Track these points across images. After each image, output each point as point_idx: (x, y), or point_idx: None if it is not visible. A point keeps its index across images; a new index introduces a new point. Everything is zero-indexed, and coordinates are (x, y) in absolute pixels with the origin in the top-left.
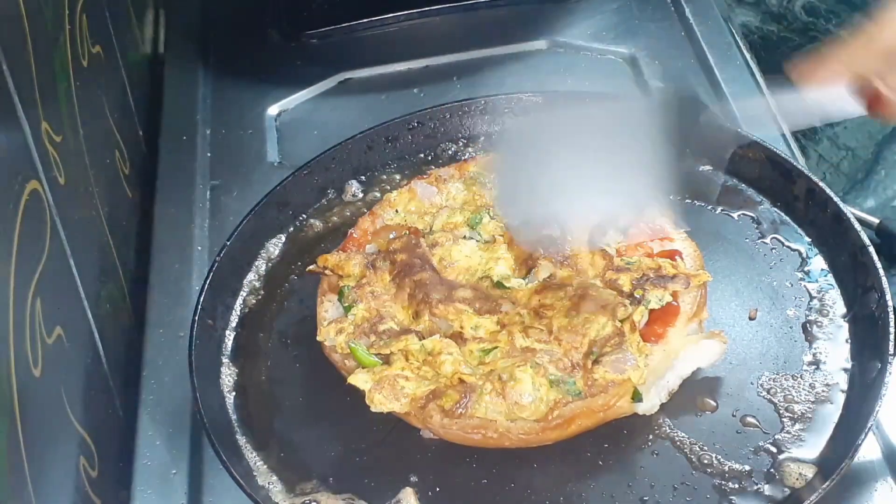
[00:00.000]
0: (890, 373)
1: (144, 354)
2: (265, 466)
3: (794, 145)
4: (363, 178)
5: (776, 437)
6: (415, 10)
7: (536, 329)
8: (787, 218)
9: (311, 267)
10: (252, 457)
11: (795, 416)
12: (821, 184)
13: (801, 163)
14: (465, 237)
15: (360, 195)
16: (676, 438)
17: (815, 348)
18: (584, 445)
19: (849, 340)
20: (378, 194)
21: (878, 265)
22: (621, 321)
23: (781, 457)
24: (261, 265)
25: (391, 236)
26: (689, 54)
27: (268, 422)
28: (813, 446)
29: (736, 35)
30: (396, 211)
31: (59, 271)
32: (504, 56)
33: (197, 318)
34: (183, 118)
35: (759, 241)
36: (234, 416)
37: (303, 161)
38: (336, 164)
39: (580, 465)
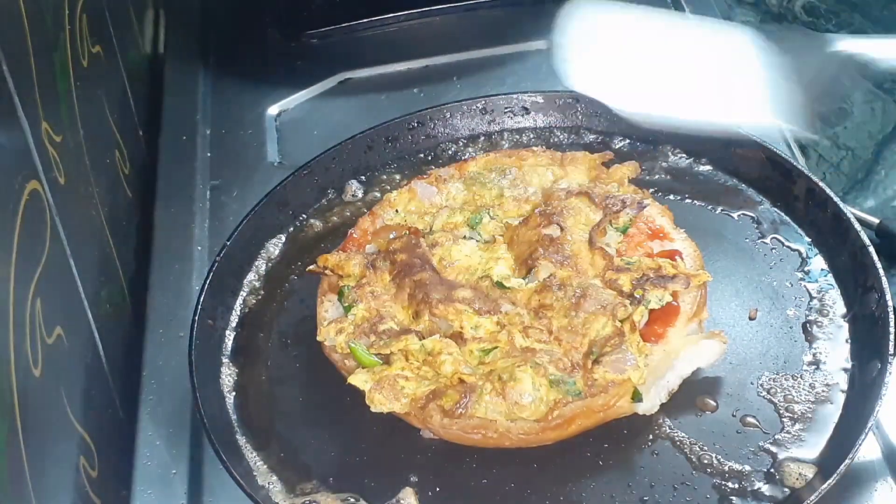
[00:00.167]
0: (890, 373)
1: (144, 354)
2: (265, 466)
3: (794, 145)
4: (363, 178)
5: (776, 437)
6: (415, 10)
7: (536, 329)
8: (787, 218)
9: (311, 267)
10: (252, 457)
11: (795, 416)
12: (821, 184)
13: (801, 163)
14: (465, 237)
15: (360, 195)
16: (676, 438)
17: (815, 348)
18: (584, 445)
19: (849, 340)
20: (378, 194)
21: (878, 265)
22: (621, 321)
23: (781, 457)
24: (261, 265)
25: (391, 236)
26: None
27: (268, 422)
28: (813, 446)
29: None
30: (396, 211)
31: (59, 271)
32: (504, 56)
33: (197, 318)
34: (183, 118)
35: (759, 241)
36: (234, 416)
37: (303, 161)
38: (336, 164)
39: (580, 465)
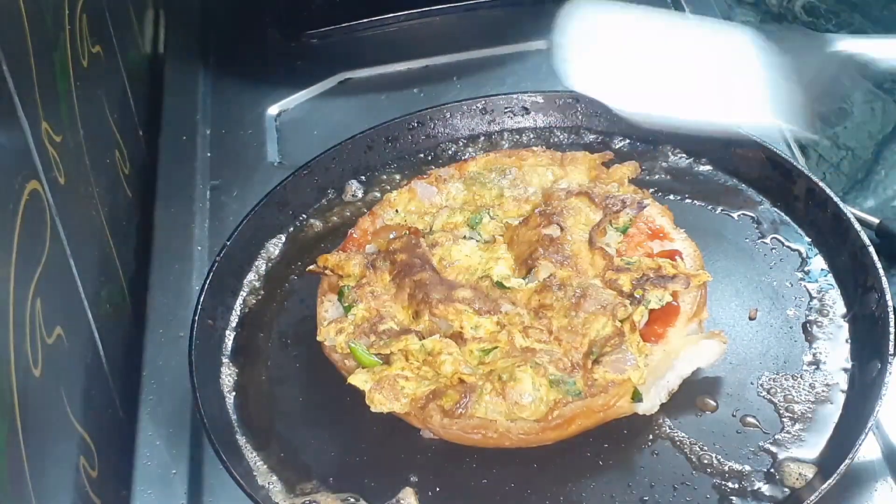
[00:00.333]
0: (890, 373)
1: (144, 354)
2: (265, 466)
3: (794, 145)
4: (363, 178)
5: (776, 437)
6: (415, 10)
7: (536, 329)
8: (787, 218)
9: (311, 267)
10: (252, 457)
11: (795, 416)
12: (821, 184)
13: (801, 163)
14: (465, 237)
15: (360, 195)
16: (676, 438)
17: (815, 348)
18: (584, 445)
19: (849, 340)
20: (378, 194)
21: (878, 265)
22: (621, 321)
23: (781, 457)
24: (261, 265)
25: (391, 236)
26: None
27: (268, 422)
28: (813, 446)
29: None
30: (396, 211)
31: (59, 271)
32: (504, 56)
33: (197, 318)
34: (183, 118)
35: (759, 241)
36: (234, 416)
37: (303, 161)
38: (336, 164)
39: (580, 465)
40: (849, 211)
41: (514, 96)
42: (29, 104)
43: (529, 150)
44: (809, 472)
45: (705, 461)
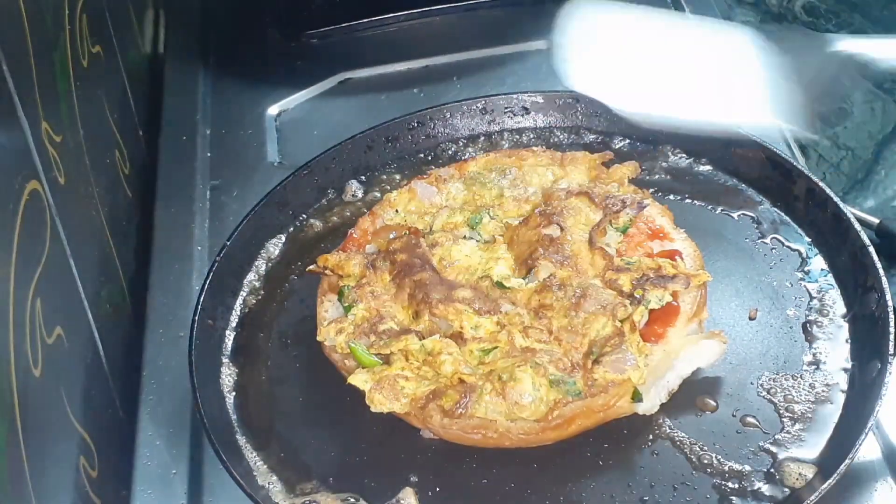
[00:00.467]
0: (890, 373)
1: (144, 354)
2: (265, 466)
3: (794, 145)
4: (363, 178)
5: (776, 437)
6: (415, 10)
7: (536, 329)
8: (787, 218)
9: (311, 267)
10: (252, 457)
11: (795, 416)
12: (821, 184)
13: (801, 163)
14: (465, 237)
15: (360, 195)
16: (676, 438)
17: (815, 348)
18: (584, 445)
19: (849, 340)
20: (378, 194)
21: (878, 265)
22: (621, 321)
23: (781, 457)
24: (261, 265)
25: (391, 236)
26: None
27: (268, 422)
28: (813, 446)
29: None
30: (396, 211)
31: (59, 271)
32: (504, 56)
33: (197, 318)
34: (183, 118)
35: (759, 241)
36: (234, 416)
37: (303, 161)
38: (336, 164)
39: (580, 465)
40: (849, 211)
41: (514, 96)
42: (29, 104)
43: (529, 150)
44: (809, 472)
45: (705, 461)
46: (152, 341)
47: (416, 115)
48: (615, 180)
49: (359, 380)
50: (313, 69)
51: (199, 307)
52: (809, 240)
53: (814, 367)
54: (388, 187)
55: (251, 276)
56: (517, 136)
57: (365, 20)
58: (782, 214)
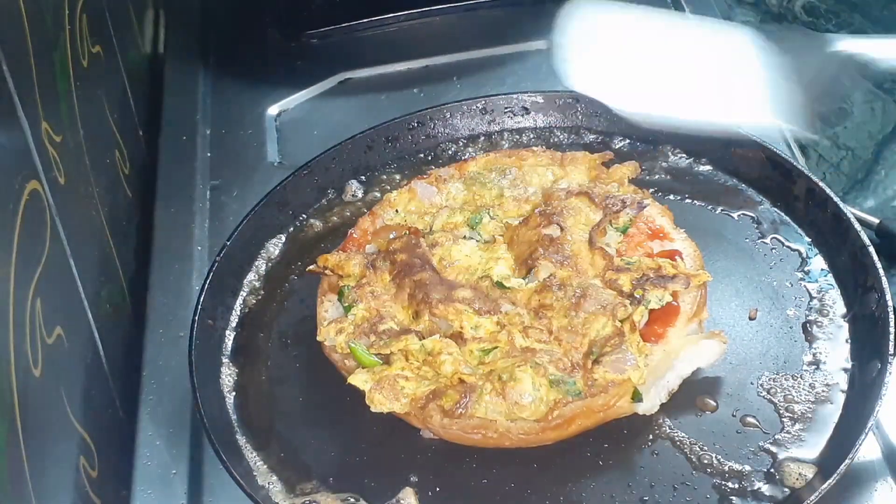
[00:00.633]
0: (890, 373)
1: (144, 354)
2: (265, 466)
3: (794, 145)
4: (363, 178)
5: (776, 437)
6: (415, 10)
7: (536, 329)
8: (787, 218)
9: (311, 267)
10: (252, 457)
11: (795, 416)
12: (821, 184)
13: (801, 163)
14: (465, 237)
15: (360, 195)
16: (676, 438)
17: (815, 348)
18: (584, 445)
19: (849, 340)
20: (378, 194)
21: (878, 265)
22: (621, 321)
23: (781, 457)
24: (261, 265)
25: (391, 236)
26: None
27: (268, 422)
28: (813, 446)
29: None
30: (396, 211)
31: (59, 271)
32: (504, 56)
33: (197, 318)
34: (183, 118)
35: (759, 241)
36: (234, 416)
37: (303, 161)
38: (336, 164)
39: (580, 465)
40: (849, 211)
41: (514, 96)
42: (29, 104)
43: (529, 150)
44: (809, 472)
45: (705, 461)
46: (152, 341)
47: (416, 115)
48: (615, 180)
49: (359, 380)
50: (313, 69)
51: (199, 307)
52: (809, 240)
53: (814, 367)
54: (388, 187)
55: (251, 276)
56: (517, 136)
57: (365, 20)
58: (782, 214)
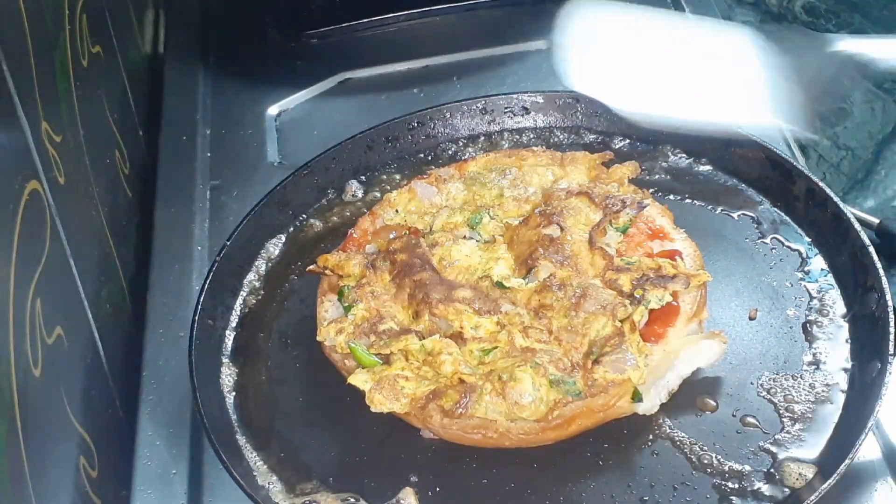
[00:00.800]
0: (890, 373)
1: (144, 354)
2: (265, 466)
3: (794, 145)
4: (363, 178)
5: (776, 437)
6: (415, 10)
7: (536, 329)
8: (787, 218)
9: (311, 267)
10: (252, 457)
11: (795, 416)
12: (821, 184)
13: (801, 163)
14: (465, 237)
15: (360, 195)
16: (676, 438)
17: (815, 348)
18: (584, 445)
19: (849, 340)
20: (378, 194)
21: (878, 265)
22: (621, 321)
23: (781, 457)
24: (261, 265)
25: (391, 236)
26: None
27: (268, 422)
28: (813, 446)
29: None
30: (396, 211)
31: (59, 271)
32: (504, 56)
33: (197, 318)
34: (183, 118)
35: (759, 241)
36: (234, 416)
37: (303, 161)
38: (336, 164)
39: (580, 465)
40: (849, 211)
41: (514, 96)
42: (29, 104)
43: (529, 150)
44: (809, 472)
45: (705, 461)
46: (152, 341)
47: (416, 115)
48: (615, 180)
49: (359, 380)
50: (313, 69)
51: (199, 307)
52: (809, 240)
53: (814, 367)
54: (388, 187)
55: (251, 276)
56: (517, 136)
57: (365, 20)
58: (782, 214)
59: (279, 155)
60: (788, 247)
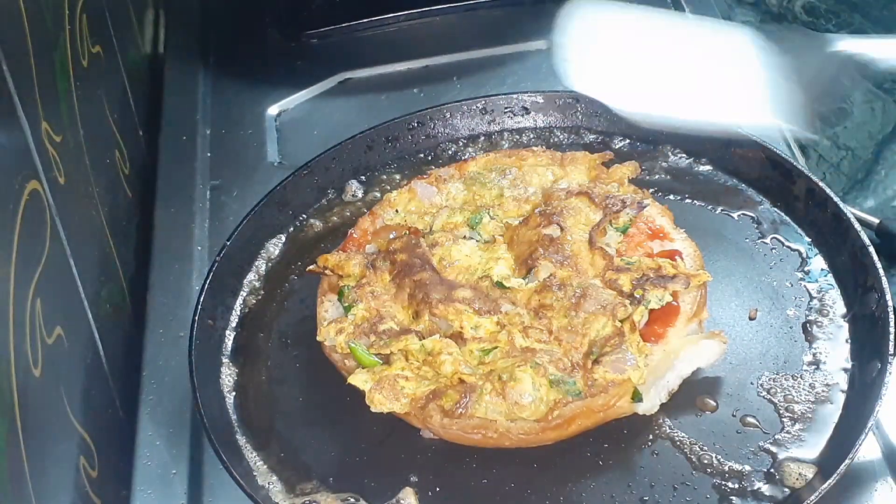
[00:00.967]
0: (890, 373)
1: (144, 354)
2: (265, 466)
3: (794, 145)
4: (363, 178)
5: (776, 437)
6: (415, 10)
7: (536, 329)
8: (787, 218)
9: (311, 267)
10: (252, 457)
11: (795, 416)
12: (821, 184)
13: (801, 163)
14: (465, 237)
15: (360, 195)
16: (676, 438)
17: (815, 348)
18: (584, 445)
19: (849, 340)
20: (378, 194)
21: (878, 265)
22: (621, 321)
23: (781, 457)
24: (261, 265)
25: (391, 236)
26: None
27: (268, 422)
28: (813, 446)
29: None
30: (396, 211)
31: (59, 271)
32: (504, 56)
33: (197, 318)
34: (183, 118)
35: (759, 241)
36: (234, 416)
37: (303, 161)
38: (336, 164)
39: (580, 465)
40: (849, 211)
41: (514, 96)
42: (29, 104)
43: (529, 150)
44: (809, 472)
45: (705, 461)
46: (152, 341)
47: (416, 115)
48: (615, 180)
49: (359, 380)
50: (313, 69)
51: (199, 307)
52: (809, 240)
53: (814, 367)
54: (388, 187)
55: (251, 276)
56: (517, 136)
57: (365, 20)
58: (782, 214)
59: (279, 155)
60: (788, 247)
